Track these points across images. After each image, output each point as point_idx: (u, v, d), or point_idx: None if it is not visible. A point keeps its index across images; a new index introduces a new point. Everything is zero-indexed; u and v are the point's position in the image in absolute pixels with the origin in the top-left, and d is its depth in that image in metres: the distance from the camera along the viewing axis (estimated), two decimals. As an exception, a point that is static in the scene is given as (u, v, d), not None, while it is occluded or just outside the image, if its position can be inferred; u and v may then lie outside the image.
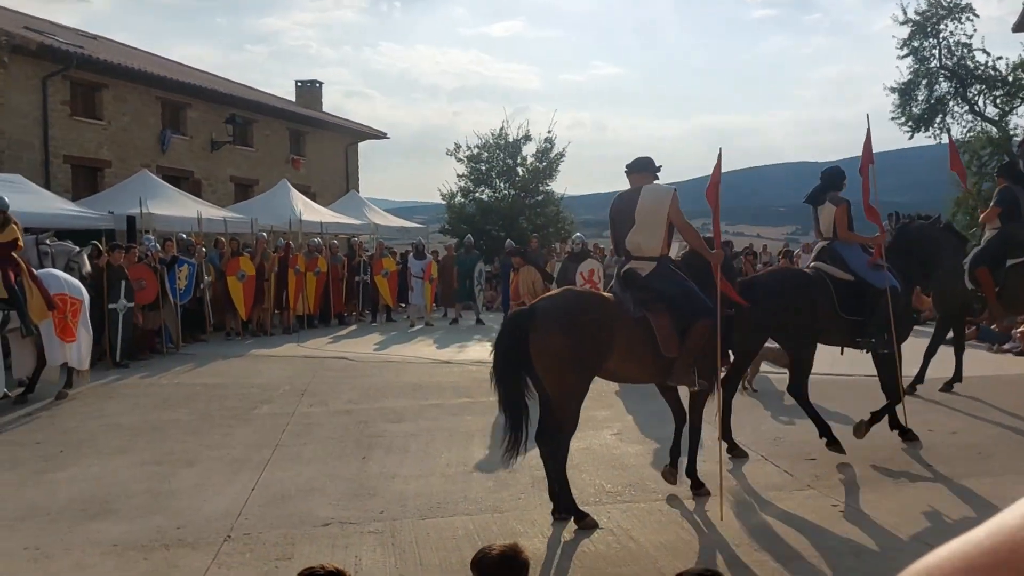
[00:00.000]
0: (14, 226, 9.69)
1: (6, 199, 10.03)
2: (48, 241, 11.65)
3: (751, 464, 7.16)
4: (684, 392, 6.37)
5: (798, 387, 7.26)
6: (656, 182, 6.21)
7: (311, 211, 21.18)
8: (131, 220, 15.99)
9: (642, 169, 6.17)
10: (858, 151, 7.61)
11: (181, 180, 21.93)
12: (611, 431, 8.34)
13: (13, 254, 9.61)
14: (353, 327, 18.02)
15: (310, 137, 28.85)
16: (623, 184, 6.37)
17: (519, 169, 31.97)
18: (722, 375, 6.54)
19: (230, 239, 16.66)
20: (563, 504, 5.70)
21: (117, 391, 10.78)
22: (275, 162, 26.52)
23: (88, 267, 11.94)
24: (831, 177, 7.84)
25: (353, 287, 18.76)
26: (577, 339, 5.57)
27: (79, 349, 10.26)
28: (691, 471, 6.33)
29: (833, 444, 7.08)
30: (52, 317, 9.75)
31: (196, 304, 15.14)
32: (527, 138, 31.86)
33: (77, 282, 10.63)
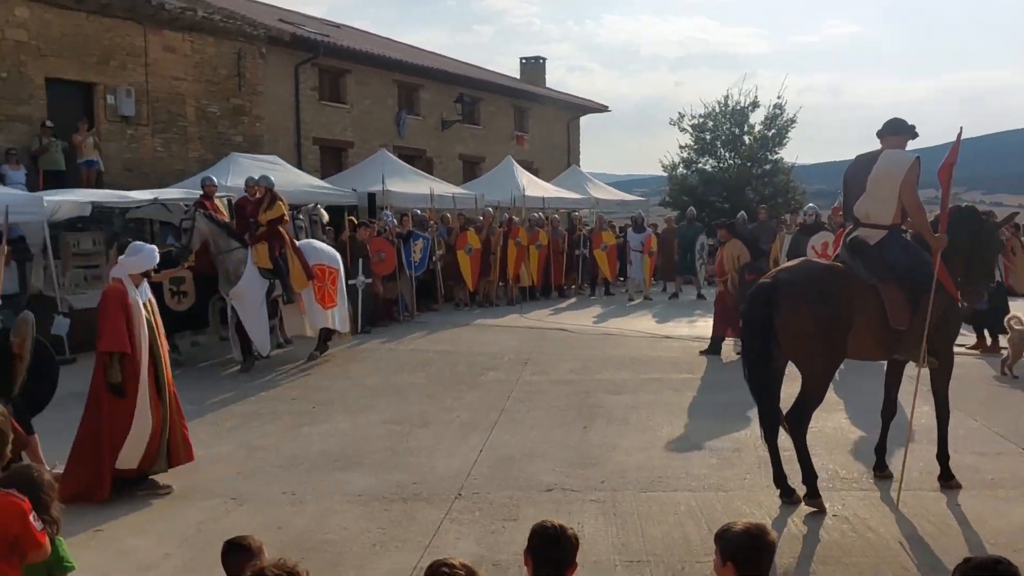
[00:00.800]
0: (280, 203, 10.72)
1: (271, 177, 11.15)
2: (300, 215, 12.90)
3: (1011, 457, 6.51)
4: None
5: None
6: (900, 148, 5.73)
7: (534, 186, 21.64)
8: (372, 197, 17.17)
9: (895, 132, 5.70)
10: None
11: (415, 159, 23.18)
12: (844, 414, 7.89)
13: (279, 228, 10.65)
14: (572, 300, 18.29)
15: (533, 113, 29.41)
16: (858, 151, 5.95)
17: (745, 138, 30.78)
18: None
19: (458, 214, 17.43)
20: (804, 479, 5.46)
21: (360, 355, 11.67)
22: (500, 139, 27.31)
23: (327, 217, 13.10)
24: None
25: (573, 260, 19.01)
26: (824, 312, 5.35)
27: (338, 314, 11.23)
28: (942, 458, 5.85)
29: None
30: (311, 286, 10.72)
31: (429, 276, 16.04)
32: (754, 105, 30.58)
33: (334, 252, 11.59)
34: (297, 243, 11.01)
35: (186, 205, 11.84)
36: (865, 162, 5.74)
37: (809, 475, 5.44)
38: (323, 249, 11.41)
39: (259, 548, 3.20)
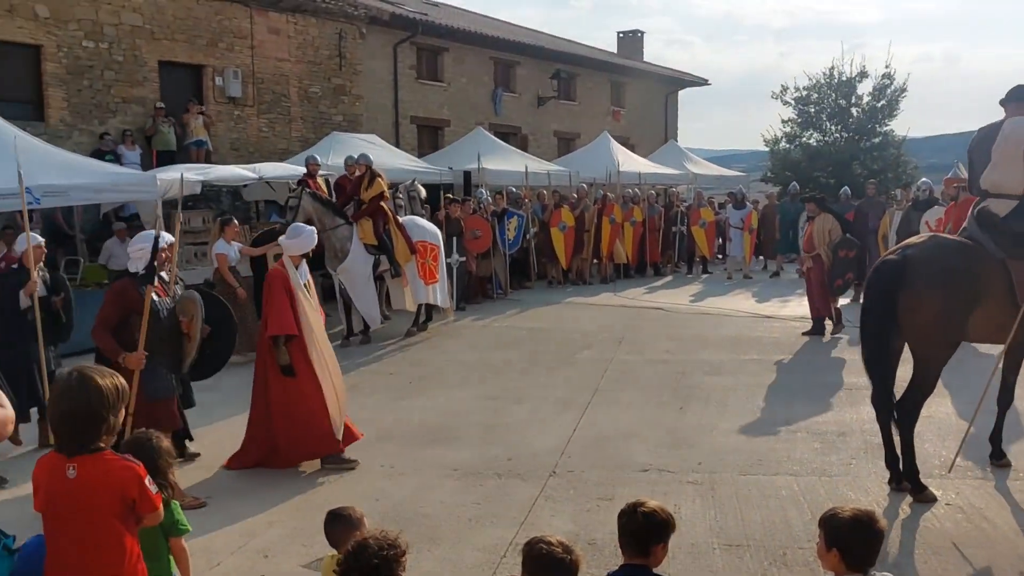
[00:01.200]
0: (380, 180, 10.91)
1: (370, 155, 11.35)
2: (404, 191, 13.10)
3: None
4: None
5: None
6: None
7: (630, 162, 21.35)
8: (467, 175, 17.28)
9: (1020, 99, 5.38)
10: None
11: (510, 136, 23.19)
12: (958, 399, 7.50)
13: (382, 204, 10.84)
14: (669, 278, 18.00)
15: (630, 88, 28.96)
16: (976, 122, 5.64)
17: (853, 110, 29.53)
18: None
19: (552, 191, 17.36)
20: (905, 471, 5.24)
21: (456, 331, 11.81)
22: (596, 114, 27.02)
23: (424, 192, 13.26)
24: None
25: (669, 237, 18.70)
26: (952, 294, 5.09)
27: (440, 289, 11.40)
28: (995, 438, 5.69)
29: None
30: (414, 260, 10.91)
31: (522, 254, 16.06)
32: (863, 75, 29.28)
33: (435, 229, 11.76)
34: (400, 220, 11.19)
35: (291, 184, 12.16)
36: (989, 132, 5.44)
37: (911, 468, 5.21)
38: (425, 226, 11.61)
39: (360, 519, 3.28)
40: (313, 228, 6.38)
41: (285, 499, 5.41)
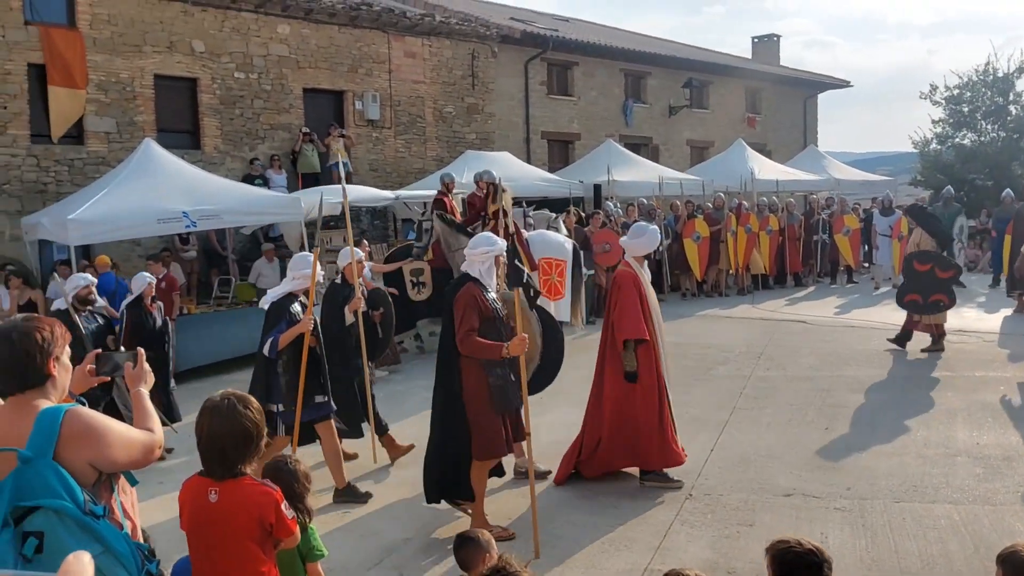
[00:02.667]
0: (504, 194, 10.99)
1: (492, 172, 11.45)
2: (531, 212, 13.00)
3: None
4: None
5: None
6: None
7: (766, 169, 20.68)
8: (597, 188, 17.22)
9: None
10: None
11: (641, 147, 22.97)
12: None
13: (504, 219, 10.92)
14: (811, 288, 17.26)
15: (766, 93, 28.11)
16: None
17: (1012, 108, 27.49)
18: None
19: (686, 202, 17.03)
20: None
21: (587, 345, 11.67)
22: (730, 122, 26.37)
23: (565, 230, 13.01)
24: None
25: (811, 246, 17.93)
26: None
27: (562, 305, 11.34)
28: None
29: None
30: (537, 277, 10.92)
31: (655, 266, 15.80)
32: (1021, 71, 27.21)
33: (562, 241, 11.63)
34: (526, 234, 11.22)
35: (423, 204, 12.47)
36: None
37: None
38: (552, 241, 11.51)
39: (488, 542, 3.30)
40: (655, 227, 6.25)
41: (422, 516, 5.50)
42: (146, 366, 2.78)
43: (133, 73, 13.77)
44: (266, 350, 5.63)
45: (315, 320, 5.80)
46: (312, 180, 15.05)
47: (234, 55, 15.04)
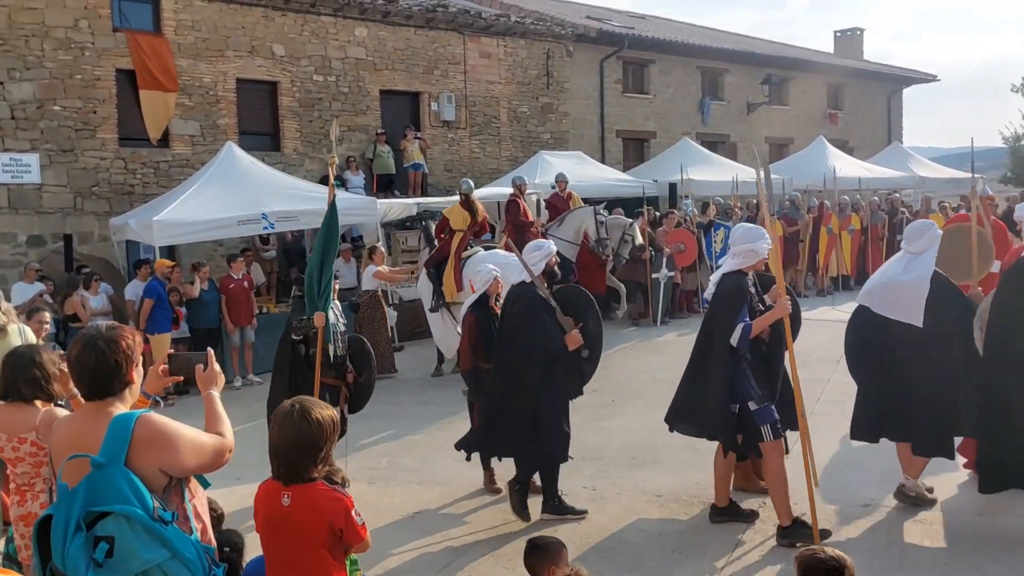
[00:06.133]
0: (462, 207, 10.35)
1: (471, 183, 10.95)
2: (603, 211, 12.68)
3: None
4: None
5: None
6: None
7: (848, 166, 20.09)
8: (672, 187, 16.99)
9: None
10: None
11: (717, 145, 22.58)
12: None
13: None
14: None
15: (848, 89, 27.28)
16: None
17: (1116, 100, 26.08)
18: None
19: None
20: None
21: (660, 347, 11.61)
22: (811, 119, 25.69)
23: (640, 239, 12.74)
24: None
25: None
26: None
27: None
28: None
29: None
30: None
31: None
32: None
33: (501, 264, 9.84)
34: (470, 255, 10.00)
35: (499, 203, 12.50)
36: None
37: None
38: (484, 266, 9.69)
39: (558, 551, 3.31)
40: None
41: (491, 518, 5.53)
42: (216, 367, 2.84)
43: (216, 77, 14.22)
44: (735, 340, 4.78)
45: None
46: (387, 181, 15.28)
47: (313, 58, 15.38)
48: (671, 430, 5.49)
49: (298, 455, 2.72)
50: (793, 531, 4.80)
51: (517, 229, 11.52)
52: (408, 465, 6.79)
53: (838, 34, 31.88)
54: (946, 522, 5.06)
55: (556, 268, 6.00)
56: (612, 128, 20.94)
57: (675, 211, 15.09)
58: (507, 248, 11.08)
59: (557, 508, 5.39)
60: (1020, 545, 4.74)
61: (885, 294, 5.19)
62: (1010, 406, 4.70)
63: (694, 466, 6.34)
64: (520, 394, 5.30)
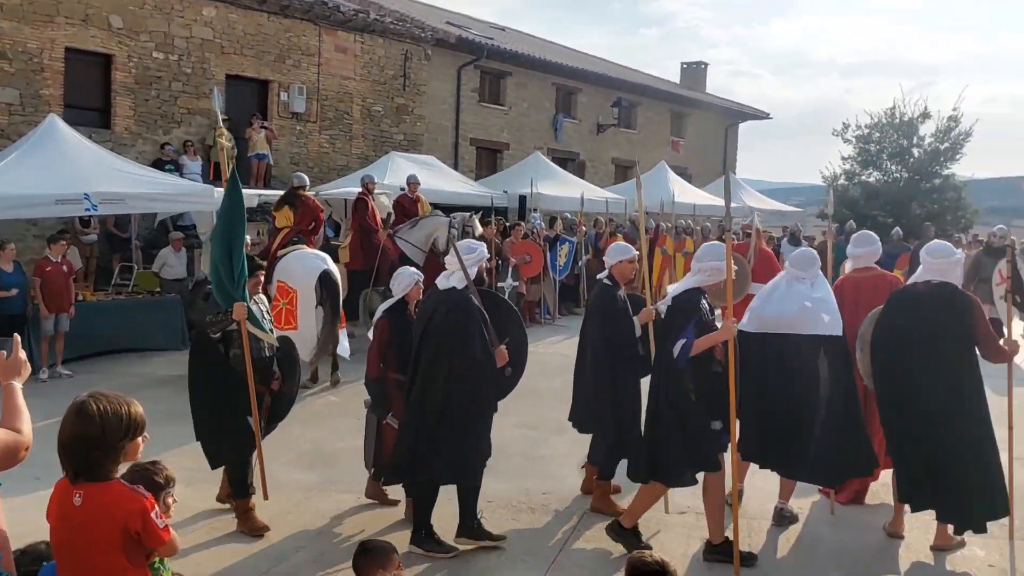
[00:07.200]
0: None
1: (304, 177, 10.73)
2: (455, 229, 12.13)
3: None
4: None
5: None
6: None
7: (686, 193, 21.10)
8: (522, 199, 17.22)
9: None
10: None
11: (568, 162, 23.14)
12: (1013, 454, 7.08)
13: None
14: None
15: (691, 119, 28.74)
16: None
17: (914, 150, 28.90)
18: None
19: (608, 220, 17.19)
20: None
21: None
22: (656, 144, 26.84)
23: (480, 230, 12.71)
24: None
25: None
26: None
27: (301, 338, 8.42)
28: None
29: None
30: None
31: (573, 280, 15.89)
32: (924, 116, 28.66)
33: (312, 268, 9.01)
34: (286, 254, 9.35)
35: (347, 200, 12.19)
36: None
37: None
38: (297, 267, 9.09)
39: (389, 556, 3.23)
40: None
41: (316, 524, 5.32)
42: (22, 355, 2.59)
43: (42, 44, 13.10)
44: (675, 355, 4.61)
45: None
46: (228, 170, 14.60)
47: (154, 34, 14.49)
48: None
49: (82, 451, 2.47)
50: (722, 549, 4.75)
51: (363, 232, 11.28)
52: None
53: (684, 66, 33.52)
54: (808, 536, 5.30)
55: (485, 275, 5.47)
56: (467, 136, 21.03)
57: (523, 223, 15.31)
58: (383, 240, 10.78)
59: (474, 531, 5.00)
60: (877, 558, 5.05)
61: (804, 313, 5.09)
62: (903, 427, 4.95)
63: (526, 474, 6.38)
64: (446, 411, 4.83)
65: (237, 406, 5.13)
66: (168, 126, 14.77)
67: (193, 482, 5.49)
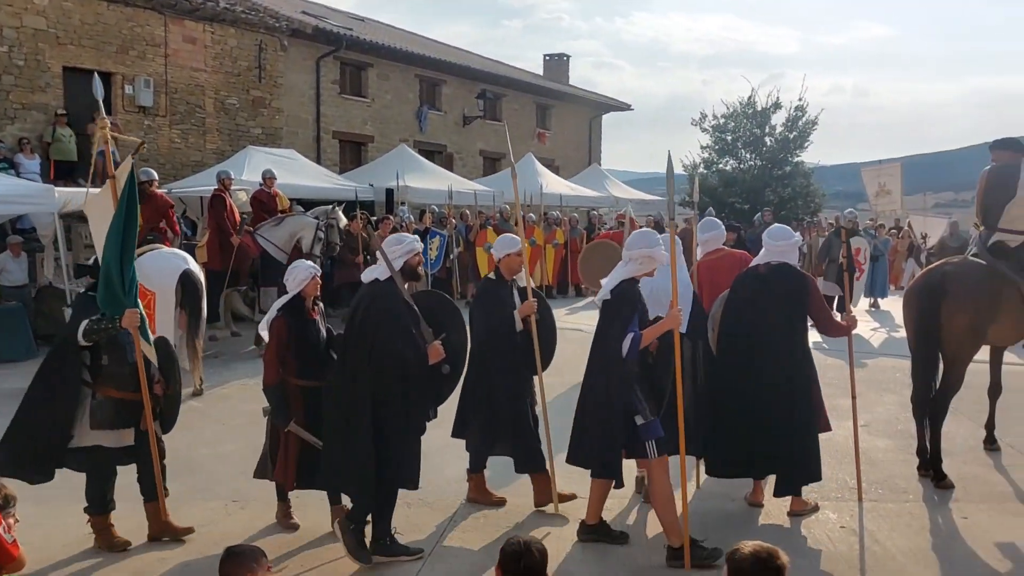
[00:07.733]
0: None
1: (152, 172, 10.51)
2: (323, 230, 11.72)
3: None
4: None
5: None
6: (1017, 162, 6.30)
7: (553, 184, 21.44)
8: (389, 192, 17.01)
9: (1007, 148, 6.44)
10: None
11: (435, 154, 23.05)
12: (858, 422, 7.60)
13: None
14: (590, 299, 18.02)
15: (556, 110, 29.20)
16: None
17: (767, 139, 30.49)
18: None
19: (477, 212, 17.24)
20: (931, 460, 6.02)
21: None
22: (522, 136, 27.11)
23: (345, 221, 12.49)
24: None
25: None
26: (982, 306, 5.95)
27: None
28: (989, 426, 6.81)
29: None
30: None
31: (445, 273, 15.86)
32: (776, 106, 30.31)
33: (171, 269, 8.52)
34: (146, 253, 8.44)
35: (203, 197, 11.73)
36: (1008, 172, 6.30)
37: (936, 458, 5.99)
38: (159, 266, 8.46)
39: (258, 559, 3.12)
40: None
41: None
42: None
43: None
44: (624, 350, 4.52)
45: None
46: (68, 168, 13.73)
47: (-20, 23, 13.43)
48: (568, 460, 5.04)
49: None
50: (683, 552, 4.55)
51: (221, 231, 10.86)
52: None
53: (547, 58, 33.98)
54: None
55: (420, 269, 5.18)
56: (329, 129, 20.58)
57: (391, 216, 15.13)
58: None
59: (389, 548, 4.67)
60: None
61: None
62: (736, 397, 5.23)
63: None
64: (370, 415, 4.50)
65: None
66: (1, 123, 13.71)
67: (42, 500, 5.11)
